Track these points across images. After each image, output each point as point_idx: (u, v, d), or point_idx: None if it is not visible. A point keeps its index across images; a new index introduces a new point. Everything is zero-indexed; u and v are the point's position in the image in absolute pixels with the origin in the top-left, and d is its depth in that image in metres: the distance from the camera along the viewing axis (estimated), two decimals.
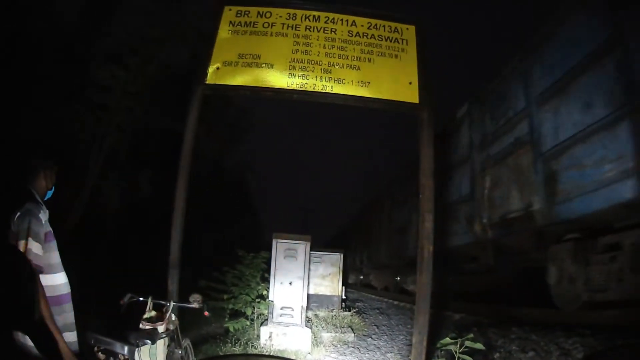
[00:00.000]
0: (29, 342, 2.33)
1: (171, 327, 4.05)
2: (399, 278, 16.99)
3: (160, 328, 3.85)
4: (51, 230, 3.02)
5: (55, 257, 3.01)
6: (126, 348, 3.17)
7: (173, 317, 4.14)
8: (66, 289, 3.07)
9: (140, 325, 3.80)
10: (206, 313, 4.46)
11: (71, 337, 3.00)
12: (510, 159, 8.60)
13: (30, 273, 2.23)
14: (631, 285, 5.92)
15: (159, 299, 4.12)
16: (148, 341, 3.52)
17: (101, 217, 15.19)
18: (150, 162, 16.39)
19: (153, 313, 3.99)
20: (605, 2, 6.42)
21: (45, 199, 3.12)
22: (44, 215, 2.92)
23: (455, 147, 10.88)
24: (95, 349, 3.10)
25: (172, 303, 4.12)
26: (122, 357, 3.21)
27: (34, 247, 2.72)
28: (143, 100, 14.89)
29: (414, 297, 5.99)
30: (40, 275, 2.75)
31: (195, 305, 4.31)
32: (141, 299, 3.96)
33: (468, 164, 10.16)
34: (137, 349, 3.38)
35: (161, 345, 3.82)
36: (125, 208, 15.90)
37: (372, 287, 21.05)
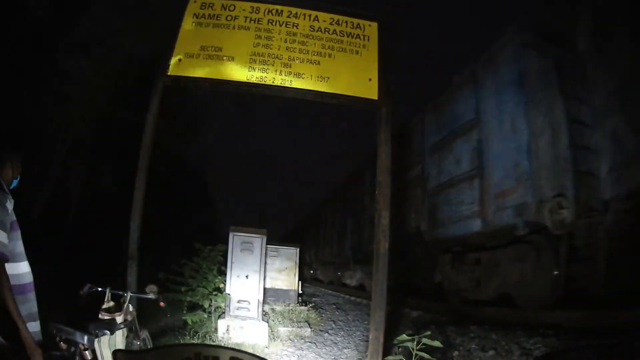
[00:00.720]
0: None
1: (129, 317, 4.07)
2: (339, 273, 19.10)
3: (119, 318, 3.88)
4: (15, 219, 2.96)
5: (19, 245, 2.94)
6: (86, 337, 3.22)
7: (130, 308, 4.15)
8: (29, 278, 3.02)
9: (100, 316, 3.83)
10: (162, 303, 4.46)
11: (35, 326, 2.92)
12: (410, 190, 11.78)
13: None
14: (484, 289, 8.69)
15: (117, 290, 4.12)
16: (107, 331, 3.56)
17: (64, 207, 14.98)
18: (113, 154, 16.19)
19: (112, 303, 4.00)
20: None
21: (11, 187, 3.08)
22: (9, 204, 2.87)
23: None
24: (57, 338, 3.15)
25: (129, 294, 4.14)
26: (82, 347, 3.24)
27: (0, 236, 2.71)
28: (106, 92, 14.68)
29: (370, 293, 6.06)
30: (15, 264, 2.82)
31: (151, 295, 4.35)
32: (100, 289, 3.97)
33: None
34: (96, 339, 3.42)
35: (120, 335, 3.86)
36: (87, 199, 15.69)
37: (320, 281, 22.70)
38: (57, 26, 13.62)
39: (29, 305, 2.93)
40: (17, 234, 2.95)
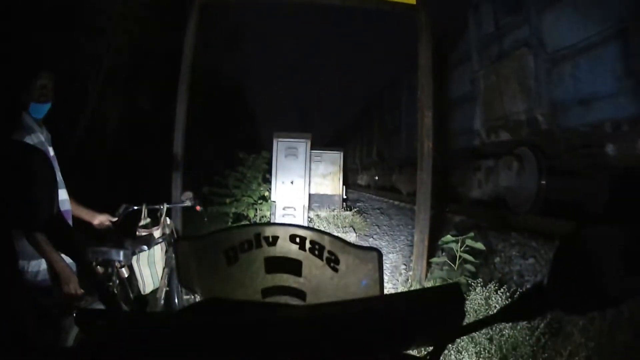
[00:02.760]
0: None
1: (167, 231, 4.00)
2: (377, 177, 19.87)
3: (157, 233, 3.84)
4: (48, 149, 2.92)
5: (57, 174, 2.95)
6: (122, 253, 3.22)
7: (168, 221, 4.08)
8: (67, 206, 2.98)
9: (137, 233, 3.79)
10: (198, 208, 4.42)
11: None
12: None
13: (50, 167, 2.26)
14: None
15: (153, 205, 4.03)
16: (145, 247, 3.57)
17: (102, 136, 15.21)
18: (150, 80, 16.21)
19: (148, 220, 3.94)
20: None
21: (33, 116, 2.93)
22: (35, 138, 2.83)
23: None
24: (94, 262, 3.17)
25: (165, 205, 4.04)
26: (118, 265, 3.30)
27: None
28: (141, 20, 14.59)
29: (412, 198, 6.11)
30: None
31: (187, 202, 4.34)
32: (135, 207, 3.83)
33: None
34: (134, 256, 3.46)
35: (159, 250, 3.86)
36: (125, 126, 15.87)
37: (360, 185, 22.88)
38: None
39: None
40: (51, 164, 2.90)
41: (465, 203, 10.41)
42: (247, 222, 7.71)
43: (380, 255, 0.96)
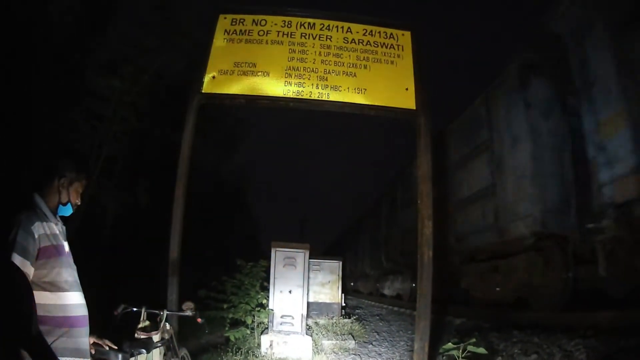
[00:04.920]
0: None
1: (166, 336, 4.03)
2: (378, 285, 19.80)
3: (155, 337, 3.83)
4: (63, 244, 2.72)
5: (67, 273, 2.67)
6: (120, 356, 3.15)
7: (168, 327, 4.11)
8: (82, 312, 2.76)
9: (135, 335, 3.79)
10: (199, 320, 4.37)
11: None
12: None
13: (26, 287, 2.09)
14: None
15: (153, 309, 4.07)
16: (143, 350, 3.52)
17: (98, 227, 15.13)
18: (147, 172, 16.36)
19: (147, 323, 3.95)
20: None
21: (59, 214, 2.79)
22: (48, 228, 2.62)
23: None
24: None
25: (165, 312, 4.08)
26: None
27: (17, 261, 2.40)
28: (139, 110, 14.88)
29: (414, 303, 5.98)
30: (44, 293, 2.55)
31: (188, 313, 4.29)
32: (135, 309, 3.92)
33: None
34: (132, 358, 3.37)
35: (157, 354, 3.82)
36: (122, 218, 15.84)
37: (360, 292, 23.38)
38: (84, 46, 13.83)
39: (78, 340, 2.69)
40: (62, 260, 2.70)
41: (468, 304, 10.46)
42: (245, 328, 7.58)
43: None
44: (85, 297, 2.82)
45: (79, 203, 2.88)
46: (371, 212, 21.87)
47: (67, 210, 2.85)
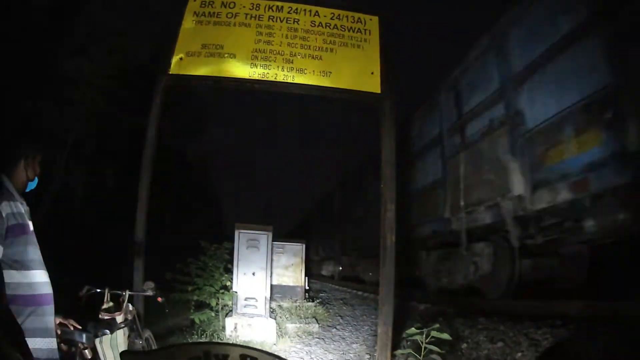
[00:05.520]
0: None
1: (129, 317, 4.05)
2: (340, 268, 20.45)
3: (119, 318, 3.86)
4: (27, 223, 2.72)
5: (31, 252, 2.67)
6: (84, 336, 3.21)
7: (130, 307, 4.13)
8: (46, 289, 2.75)
9: (100, 316, 3.82)
10: (159, 299, 4.44)
11: (50, 342, 2.69)
12: None
13: None
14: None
15: (116, 290, 4.09)
16: (107, 331, 3.56)
17: (67, 211, 14.96)
18: (115, 155, 16.20)
19: (111, 304, 3.98)
20: None
21: (27, 190, 2.84)
22: (14, 207, 2.62)
23: None
24: (57, 339, 3.00)
25: (127, 292, 4.11)
26: (81, 346, 3.24)
27: None
28: (108, 93, 14.67)
29: (377, 287, 6.06)
30: (11, 272, 2.56)
31: (149, 292, 4.37)
32: (98, 290, 3.96)
33: None
34: (97, 339, 3.42)
35: (121, 335, 3.81)
36: (90, 201, 15.69)
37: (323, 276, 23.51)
38: (54, 28, 13.56)
39: (45, 319, 2.70)
40: (28, 238, 2.71)
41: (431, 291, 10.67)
42: (210, 311, 7.58)
43: None
44: (51, 278, 2.84)
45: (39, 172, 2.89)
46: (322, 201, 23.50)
47: (34, 184, 2.89)
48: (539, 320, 6.16)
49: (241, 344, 6.61)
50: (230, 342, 7.07)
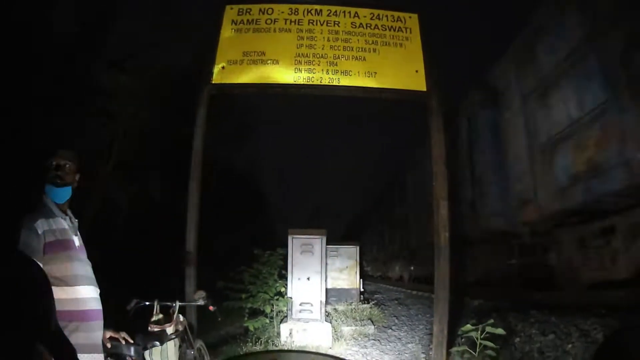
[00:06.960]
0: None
1: (180, 327, 4.02)
2: (412, 268, 18.97)
3: (169, 329, 3.84)
4: (71, 239, 2.70)
5: (78, 267, 2.67)
6: (132, 349, 3.19)
7: (181, 318, 4.10)
8: (95, 305, 2.75)
9: (149, 329, 3.80)
10: (211, 307, 4.38)
11: (98, 358, 2.70)
12: None
13: (45, 282, 2.07)
14: None
15: (165, 301, 4.06)
16: (157, 343, 3.57)
17: (111, 223, 15.17)
18: (159, 166, 16.38)
19: (160, 316, 3.95)
20: None
21: (62, 201, 2.74)
22: (54, 224, 2.60)
23: None
24: (105, 354, 3.03)
25: (177, 303, 4.06)
26: None
27: None
28: (148, 104, 14.85)
29: (432, 287, 5.97)
30: (53, 288, 2.50)
31: (200, 302, 4.31)
32: (147, 302, 3.94)
33: None
34: (146, 352, 3.44)
35: (172, 346, 3.82)
36: (135, 214, 15.87)
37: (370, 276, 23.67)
38: (87, 44, 13.80)
39: (91, 334, 2.68)
40: (71, 254, 2.69)
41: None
42: (264, 318, 7.56)
43: None
44: (101, 292, 2.82)
45: (66, 181, 2.77)
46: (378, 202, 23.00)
47: (59, 194, 2.75)
48: (586, 311, 6.14)
49: (310, 350, 6.57)
50: (286, 347, 7.05)
